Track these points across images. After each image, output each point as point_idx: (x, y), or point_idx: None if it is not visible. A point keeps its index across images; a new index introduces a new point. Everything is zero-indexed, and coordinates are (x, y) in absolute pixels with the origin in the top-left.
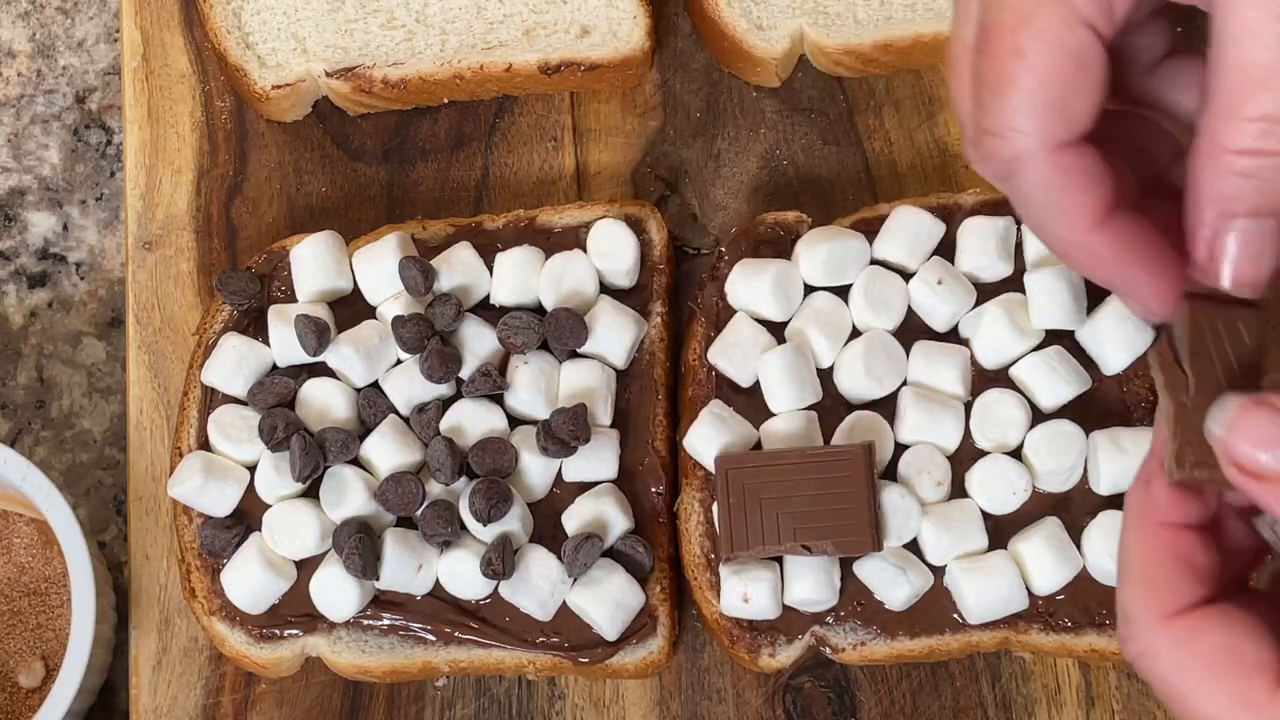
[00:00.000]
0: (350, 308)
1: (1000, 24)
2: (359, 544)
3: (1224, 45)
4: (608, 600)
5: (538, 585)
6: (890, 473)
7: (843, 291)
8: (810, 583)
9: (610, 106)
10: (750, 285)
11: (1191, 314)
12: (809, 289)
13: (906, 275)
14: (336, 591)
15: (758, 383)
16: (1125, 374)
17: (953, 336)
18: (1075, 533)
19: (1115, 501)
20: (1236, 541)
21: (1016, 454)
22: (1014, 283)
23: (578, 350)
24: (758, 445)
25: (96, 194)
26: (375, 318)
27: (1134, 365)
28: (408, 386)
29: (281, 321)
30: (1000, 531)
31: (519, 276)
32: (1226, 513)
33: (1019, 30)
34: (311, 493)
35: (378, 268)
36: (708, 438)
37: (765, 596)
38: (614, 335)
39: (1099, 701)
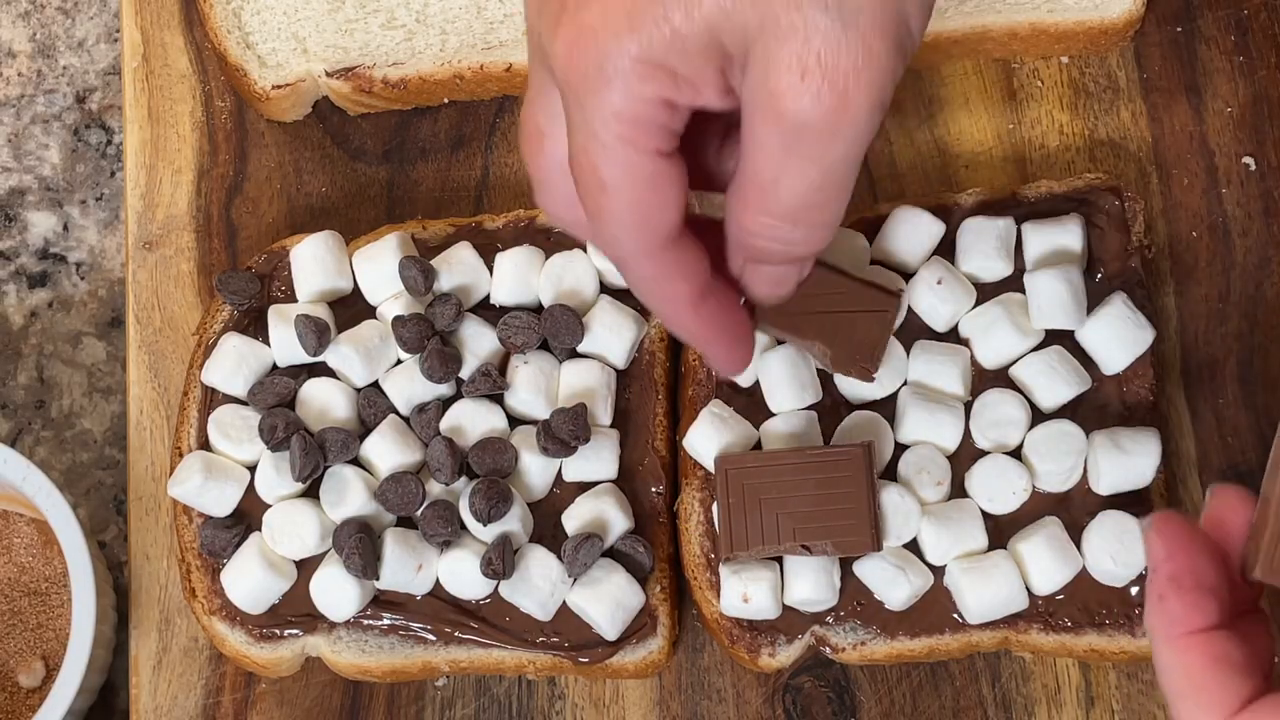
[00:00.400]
0: (350, 308)
1: (584, 157)
2: (359, 544)
3: (746, 147)
4: (608, 600)
5: (538, 585)
6: (890, 473)
7: None
8: (810, 583)
9: None
10: None
11: None
12: None
13: (906, 275)
14: (336, 591)
15: (758, 383)
16: (1125, 374)
17: (953, 336)
18: (1075, 533)
19: (1115, 501)
20: (1253, 629)
21: (1016, 454)
22: (1014, 283)
23: (578, 350)
24: (758, 445)
25: (97, 194)
26: (375, 318)
27: (1134, 365)
28: (408, 386)
29: (281, 321)
30: (1000, 531)
31: (519, 276)
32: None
33: (600, 167)
34: (311, 493)
35: (378, 268)
36: (708, 438)
37: (765, 596)
38: (614, 335)
39: (1099, 701)
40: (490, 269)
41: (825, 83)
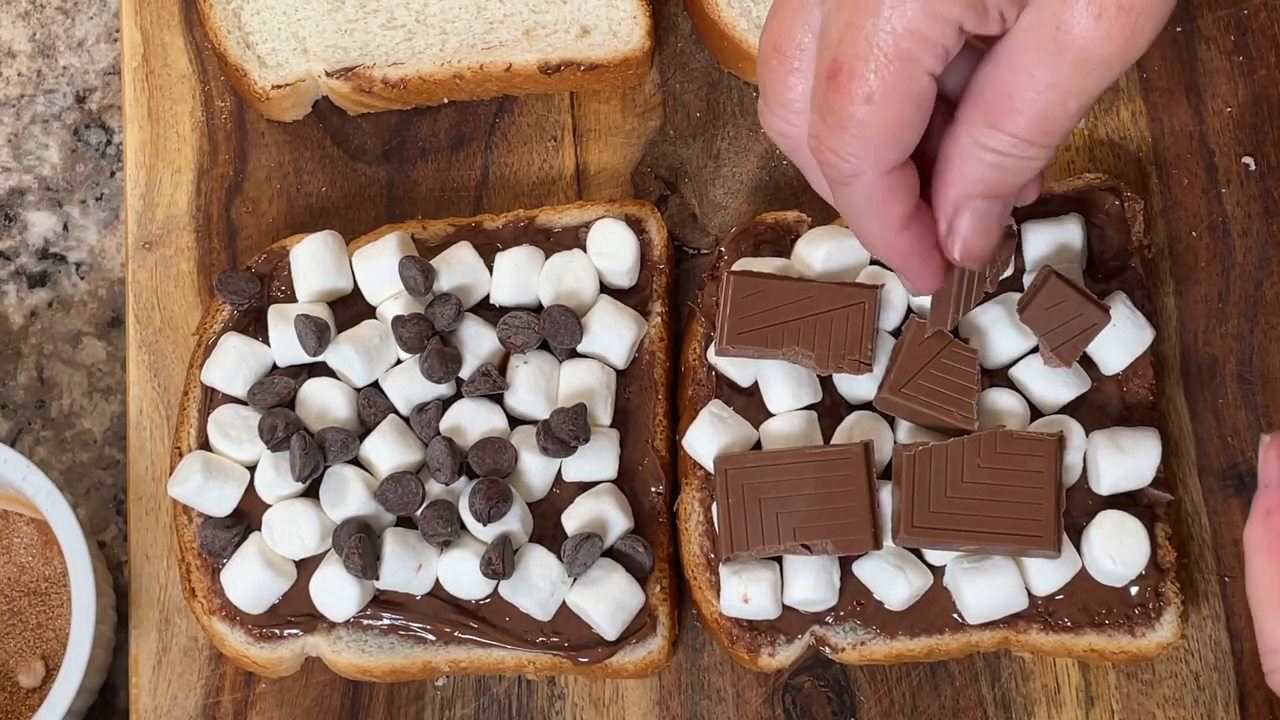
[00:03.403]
0: (350, 308)
1: (853, 66)
2: (359, 544)
3: (1000, 70)
4: (608, 600)
5: (538, 585)
6: (890, 473)
7: None
8: (810, 582)
9: (610, 106)
10: None
11: None
12: None
13: None
14: (336, 591)
15: (757, 383)
16: (1125, 374)
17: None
18: (1075, 533)
19: (1115, 501)
20: None
21: None
22: (1014, 282)
23: (578, 350)
24: (757, 445)
25: (96, 194)
26: (375, 317)
27: (1134, 365)
28: (408, 386)
29: (281, 321)
30: None
31: (519, 276)
32: None
33: (870, 77)
34: (311, 493)
35: (378, 267)
36: (707, 438)
37: (765, 596)
38: (614, 335)
39: (1099, 701)
40: (490, 269)
41: (1118, 24)
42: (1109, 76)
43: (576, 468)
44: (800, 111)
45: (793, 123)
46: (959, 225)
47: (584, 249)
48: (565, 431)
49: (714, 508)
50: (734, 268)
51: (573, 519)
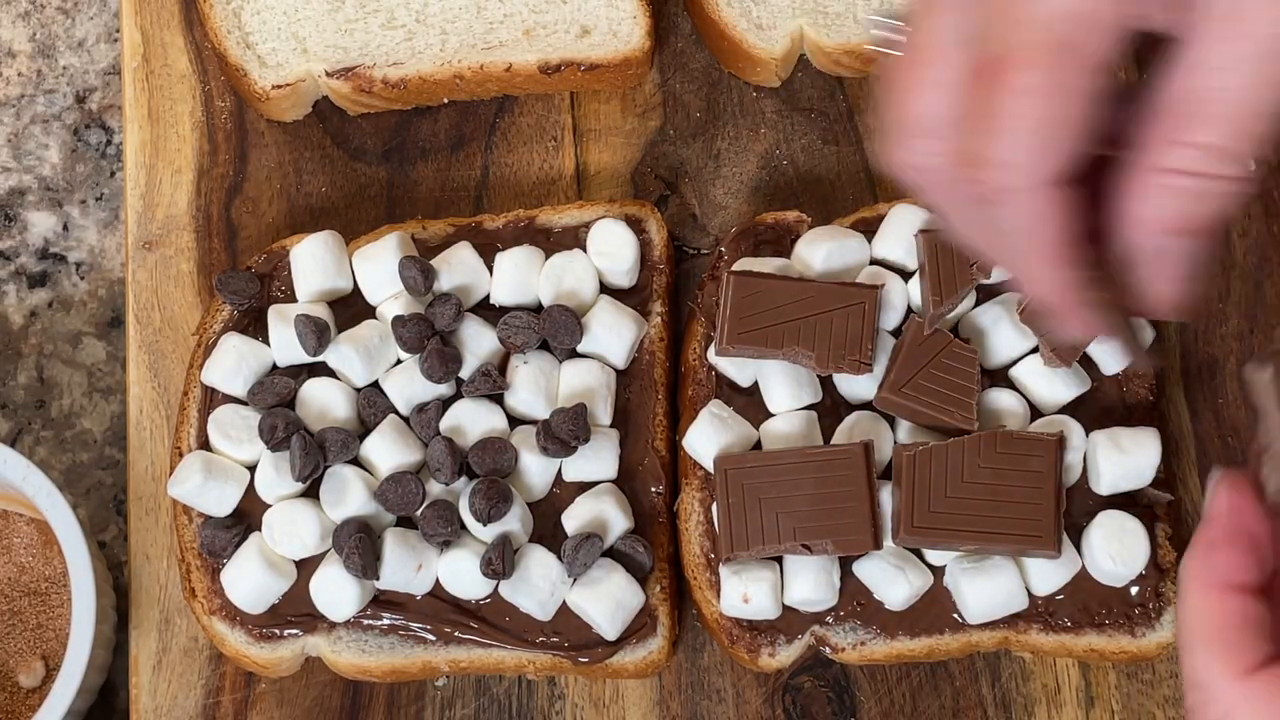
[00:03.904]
0: (350, 308)
1: (1015, 59)
2: (359, 544)
3: (1178, 77)
4: (607, 600)
5: (538, 585)
6: (890, 473)
7: None
8: (810, 582)
9: (610, 106)
10: None
11: None
12: None
13: (906, 275)
14: (336, 591)
15: (757, 383)
16: (1125, 374)
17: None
18: (1075, 533)
19: (1115, 501)
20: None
21: None
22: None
23: (577, 350)
24: (757, 445)
25: (96, 194)
26: (375, 317)
27: (1133, 365)
28: (408, 386)
29: (281, 321)
30: None
31: (519, 276)
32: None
33: (1036, 69)
34: (311, 493)
35: (378, 267)
36: (707, 438)
37: (765, 596)
38: (614, 335)
39: (1099, 701)
40: (490, 269)
41: None
42: None
43: (576, 468)
44: (943, 134)
45: (934, 150)
46: (1150, 271)
47: (584, 249)
48: (565, 431)
49: (714, 508)
50: (734, 268)
51: (573, 519)
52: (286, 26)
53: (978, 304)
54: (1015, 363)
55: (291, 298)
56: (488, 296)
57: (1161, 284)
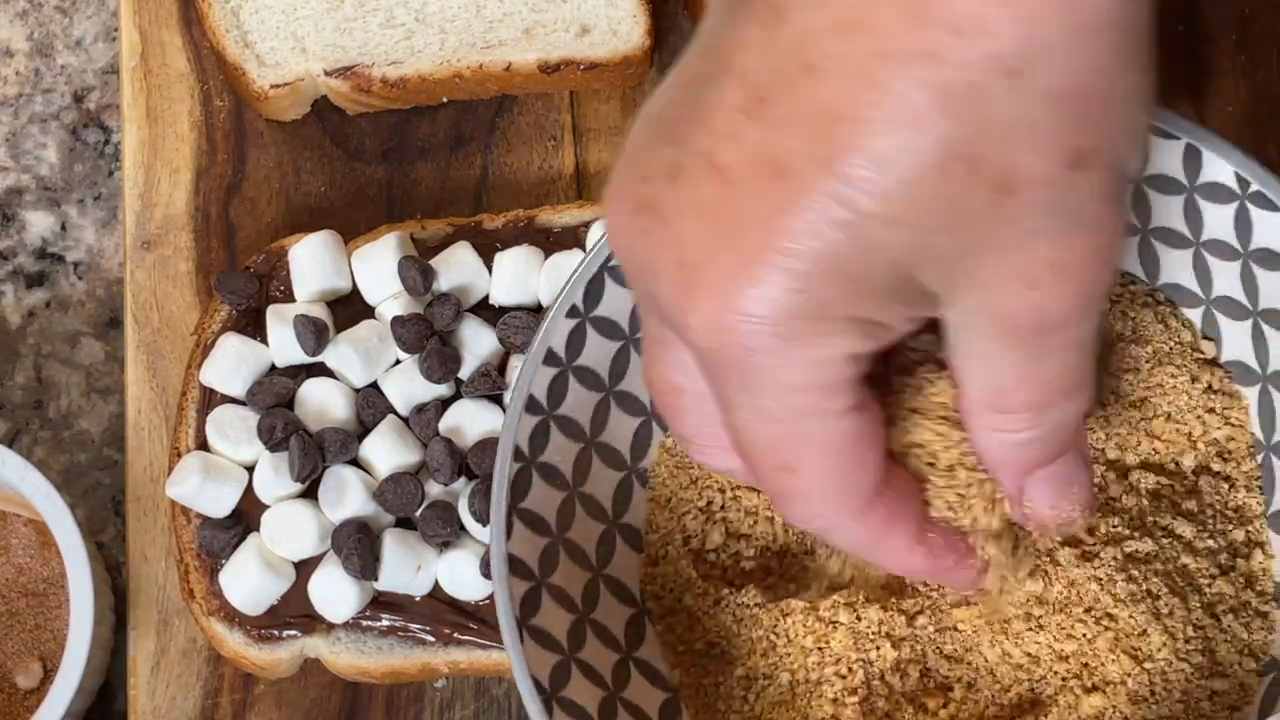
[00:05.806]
0: (349, 308)
1: (757, 438)
2: (358, 545)
3: (972, 362)
4: None
5: None
6: None
7: None
8: None
9: (610, 106)
10: None
11: None
12: None
13: None
14: (335, 592)
15: None
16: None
17: None
18: None
19: None
20: None
21: None
22: None
23: None
24: None
25: (95, 193)
26: (374, 318)
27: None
28: (407, 386)
29: (280, 321)
30: None
31: (518, 276)
32: None
33: (781, 447)
34: (310, 493)
35: (377, 267)
36: None
37: None
38: None
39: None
40: (490, 269)
41: (1061, 283)
42: (1092, 316)
43: None
44: (726, 444)
45: (733, 460)
46: (1037, 504)
47: (584, 249)
48: None
49: None
50: None
51: None
52: (285, 25)
53: None
54: None
55: (290, 298)
56: (487, 296)
57: (1045, 508)
